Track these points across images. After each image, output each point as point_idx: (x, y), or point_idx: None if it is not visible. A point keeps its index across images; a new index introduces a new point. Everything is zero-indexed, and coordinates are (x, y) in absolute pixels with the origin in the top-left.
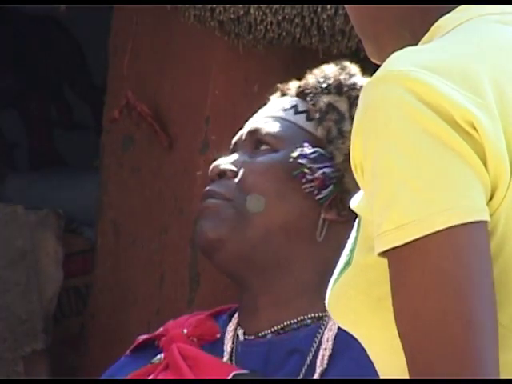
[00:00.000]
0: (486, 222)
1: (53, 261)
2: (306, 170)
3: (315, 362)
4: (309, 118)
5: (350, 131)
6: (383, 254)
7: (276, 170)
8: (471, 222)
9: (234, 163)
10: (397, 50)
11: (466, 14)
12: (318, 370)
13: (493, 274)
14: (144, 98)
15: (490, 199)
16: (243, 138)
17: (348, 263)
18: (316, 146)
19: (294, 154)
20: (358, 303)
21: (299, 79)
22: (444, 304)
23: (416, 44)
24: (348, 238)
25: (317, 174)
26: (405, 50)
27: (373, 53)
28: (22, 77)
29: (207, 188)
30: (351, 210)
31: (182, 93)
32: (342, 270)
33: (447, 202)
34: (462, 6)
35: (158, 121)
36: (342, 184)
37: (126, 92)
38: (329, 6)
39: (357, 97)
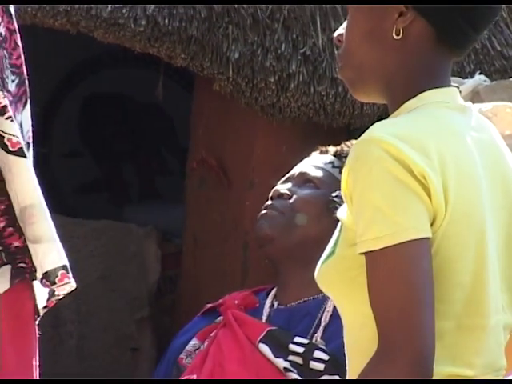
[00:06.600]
0: (429, 238)
1: (154, 259)
2: (338, 206)
3: (321, 321)
4: (341, 172)
5: None
6: (363, 253)
7: (318, 201)
8: (421, 238)
9: (288, 190)
10: (370, 94)
11: (423, 100)
12: (323, 324)
13: (432, 273)
14: (212, 154)
15: (432, 224)
16: (295, 175)
17: (333, 252)
18: None
19: (334, 194)
20: (338, 280)
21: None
22: (401, 290)
23: (383, 101)
24: None
25: None
26: (384, 122)
27: (355, 81)
28: (135, 142)
29: (269, 203)
30: None
31: (237, 151)
32: (328, 256)
33: (407, 224)
34: (423, 94)
35: (221, 169)
36: None
37: (201, 151)
38: (331, 95)
39: None
